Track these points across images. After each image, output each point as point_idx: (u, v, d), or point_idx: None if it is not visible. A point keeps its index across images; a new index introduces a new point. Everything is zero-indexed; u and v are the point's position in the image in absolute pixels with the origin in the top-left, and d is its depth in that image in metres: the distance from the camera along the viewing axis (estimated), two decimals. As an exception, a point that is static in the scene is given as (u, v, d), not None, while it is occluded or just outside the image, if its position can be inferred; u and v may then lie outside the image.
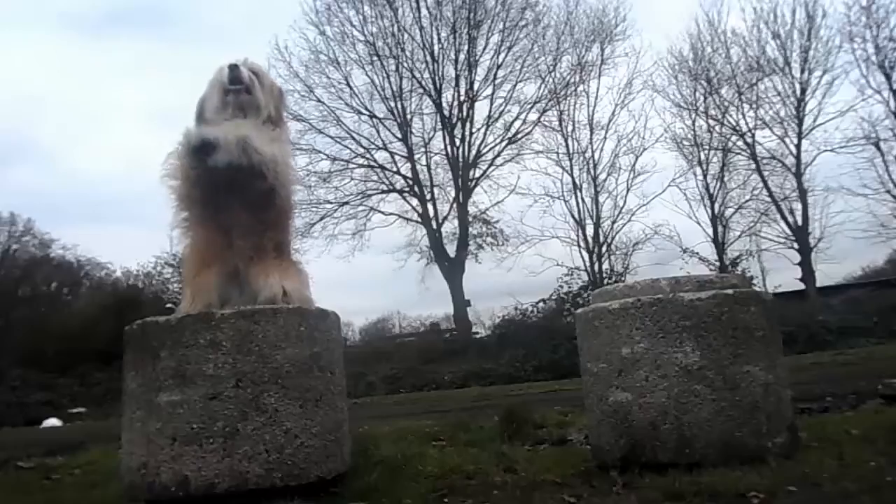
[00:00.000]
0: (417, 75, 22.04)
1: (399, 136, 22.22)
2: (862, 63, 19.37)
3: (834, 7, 26.46)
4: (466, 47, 21.91)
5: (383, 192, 22.60)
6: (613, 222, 22.27)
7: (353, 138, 22.38)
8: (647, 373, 2.64)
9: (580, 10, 22.44)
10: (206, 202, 2.80)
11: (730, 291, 2.70)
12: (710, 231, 21.67)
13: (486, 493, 2.56)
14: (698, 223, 21.93)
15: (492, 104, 22.31)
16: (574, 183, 22.24)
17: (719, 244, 21.53)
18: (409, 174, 22.36)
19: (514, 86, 22.33)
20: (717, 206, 21.67)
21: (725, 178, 21.77)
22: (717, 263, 20.91)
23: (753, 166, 21.11)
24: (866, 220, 20.24)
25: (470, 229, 22.15)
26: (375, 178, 22.67)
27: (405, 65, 21.86)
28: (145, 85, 37.07)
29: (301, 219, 22.07)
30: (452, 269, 21.64)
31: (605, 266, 22.06)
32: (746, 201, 21.62)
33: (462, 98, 22.02)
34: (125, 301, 19.02)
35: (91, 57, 39.88)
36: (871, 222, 20.05)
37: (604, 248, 22.15)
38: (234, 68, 2.87)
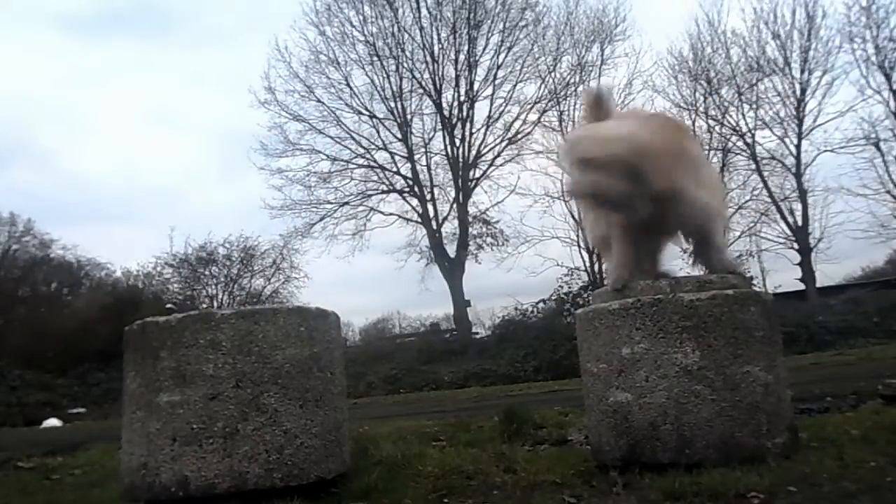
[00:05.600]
0: (417, 75, 22.05)
1: (399, 136, 22.23)
2: (862, 63, 19.39)
3: (834, 7, 26.60)
4: (466, 47, 21.91)
5: (383, 192, 22.60)
6: (613, 222, 22.24)
7: (353, 138, 22.32)
8: (647, 373, 2.64)
9: (580, 10, 22.44)
10: None
11: (730, 292, 2.70)
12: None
13: (486, 493, 2.56)
14: (698, 223, 21.90)
15: (492, 104, 22.33)
16: (574, 183, 22.21)
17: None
18: (409, 174, 22.36)
19: (514, 86, 22.31)
20: (717, 206, 21.64)
21: (725, 179, 21.73)
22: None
23: (753, 166, 21.12)
24: (866, 220, 20.29)
25: (470, 229, 22.13)
26: (375, 178, 22.66)
27: (405, 65, 21.88)
28: (145, 85, 37.10)
29: (301, 219, 22.19)
30: (452, 269, 21.63)
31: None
32: (746, 201, 21.62)
33: (462, 98, 22.04)
34: (125, 301, 19.02)
35: (90, 57, 39.87)
36: (871, 222, 20.09)
37: (604, 249, 22.12)
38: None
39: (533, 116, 22.42)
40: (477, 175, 22.31)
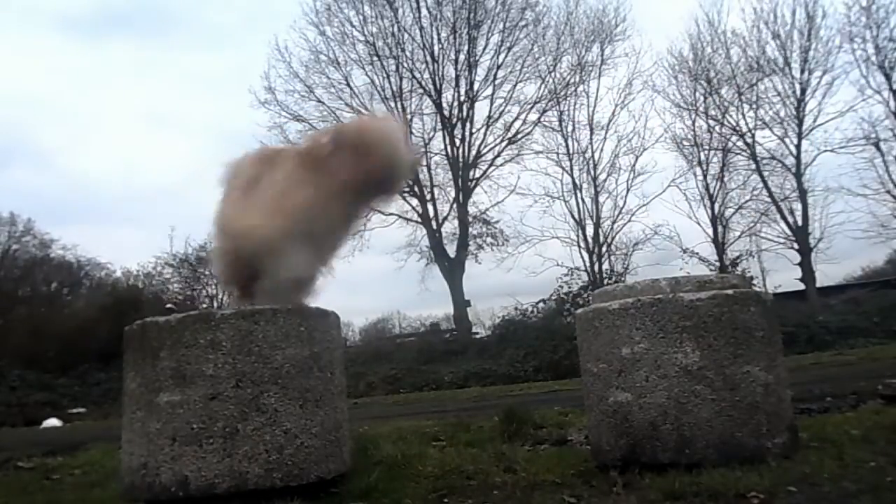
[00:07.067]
0: (417, 75, 22.04)
1: (399, 136, 22.17)
2: (862, 63, 19.38)
3: (834, 7, 26.54)
4: (466, 47, 21.90)
5: (383, 192, 22.57)
6: (613, 222, 22.28)
7: (354, 138, 22.35)
8: (647, 373, 2.64)
9: (580, 10, 22.44)
10: None
11: (730, 292, 2.70)
12: (710, 231, 21.66)
13: (486, 493, 2.56)
14: (698, 223, 21.94)
15: (492, 104, 22.31)
16: (574, 183, 22.25)
17: (719, 244, 21.52)
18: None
19: (514, 86, 22.30)
20: (717, 206, 21.66)
21: (725, 179, 21.77)
22: (717, 263, 20.91)
23: (753, 166, 21.11)
24: (866, 220, 20.27)
25: (470, 229, 22.12)
26: (375, 178, 22.61)
27: (405, 65, 21.87)
28: (144, 86, 37.06)
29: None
30: (452, 269, 21.62)
31: (605, 266, 22.04)
32: (746, 201, 21.62)
33: (462, 98, 22.04)
34: (125, 301, 19.01)
35: (90, 58, 39.87)
36: (871, 222, 20.07)
37: (604, 249, 22.14)
38: None
39: (533, 116, 22.42)
40: (477, 175, 22.31)
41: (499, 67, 22.09)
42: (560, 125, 22.37)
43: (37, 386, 16.68)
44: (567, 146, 22.31)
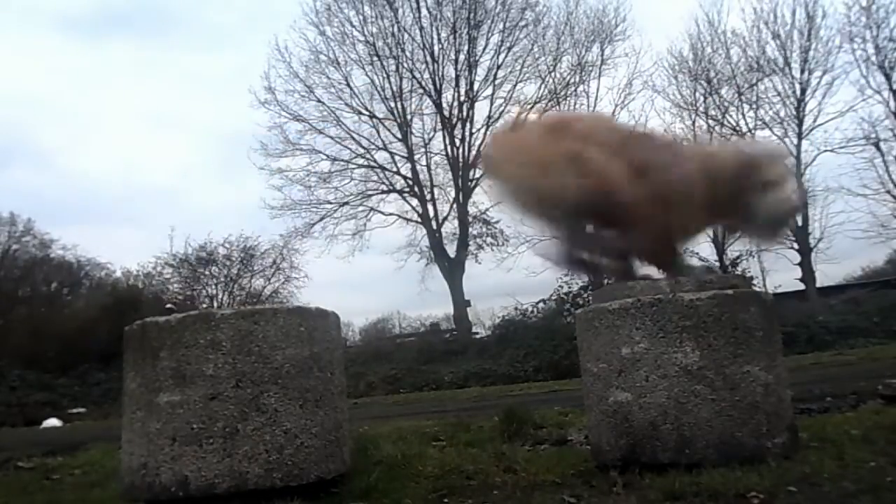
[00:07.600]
0: (417, 75, 22.05)
1: (399, 136, 22.23)
2: (862, 63, 19.38)
3: (834, 7, 26.51)
4: (466, 47, 21.93)
5: (383, 192, 22.57)
6: (613, 222, 22.25)
7: (353, 139, 22.40)
8: (647, 373, 2.64)
9: (580, 10, 22.44)
10: None
11: (730, 291, 2.70)
12: (710, 231, 21.64)
13: (486, 493, 2.56)
14: (698, 223, 21.91)
15: (492, 104, 22.34)
16: (574, 183, 22.22)
17: (719, 244, 21.51)
18: (409, 174, 22.38)
19: (514, 86, 22.35)
20: (717, 206, 21.64)
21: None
22: (717, 263, 20.91)
23: (753, 166, 21.08)
24: (866, 220, 20.29)
25: (470, 229, 22.15)
26: (375, 178, 22.66)
27: (405, 65, 21.89)
28: (145, 85, 37.08)
29: (301, 219, 22.22)
30: (452, 269, 21.63)
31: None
32: (747, 201, 21.59)
33: (462, 98, 22.04)
34: (125, 301, 19.01)
35: (90, 58, 39.87)
36: (871, 222, 20.08)
37: (604, 248, 22.11)
38: None
39: (533, 117, 22.42)
40: (477, 175, 22.28)
41: (499, 67, 22.13)
42: (560, 125, 22.35)
43: (37, 386, 16.69)
44: (567, 146, 22.28)
